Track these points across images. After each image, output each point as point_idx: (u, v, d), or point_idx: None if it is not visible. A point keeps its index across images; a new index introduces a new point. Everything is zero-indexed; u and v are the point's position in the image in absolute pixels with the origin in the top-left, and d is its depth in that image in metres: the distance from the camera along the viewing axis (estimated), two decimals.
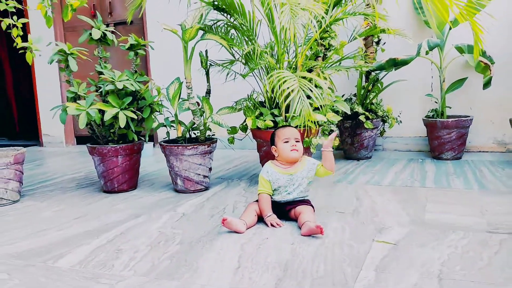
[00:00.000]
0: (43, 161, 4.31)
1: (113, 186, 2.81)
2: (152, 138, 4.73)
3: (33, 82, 5.24)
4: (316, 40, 2.95)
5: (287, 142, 2.12)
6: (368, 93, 3.58)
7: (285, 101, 2.51)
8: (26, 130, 6.18)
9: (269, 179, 2.12)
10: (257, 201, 2.15)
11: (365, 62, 3.45)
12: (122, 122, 2.63)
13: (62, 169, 3.79)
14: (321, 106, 2.77)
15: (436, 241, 1.79)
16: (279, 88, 2.35)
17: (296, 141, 2.13)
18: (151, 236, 1.99)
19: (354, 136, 3.54)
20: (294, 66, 2.80)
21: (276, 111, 2.77)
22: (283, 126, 2.25)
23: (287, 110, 2.77)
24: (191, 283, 1.51)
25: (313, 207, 2.13)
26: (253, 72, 2.86)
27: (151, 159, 4.07)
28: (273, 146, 2.20)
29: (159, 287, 1.49)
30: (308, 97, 2.65)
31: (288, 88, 2.32)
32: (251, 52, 2.72)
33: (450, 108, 3.67)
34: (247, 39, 2.81)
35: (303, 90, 2.35)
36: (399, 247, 1.74)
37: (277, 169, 2.14)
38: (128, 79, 2.76)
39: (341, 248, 1.75)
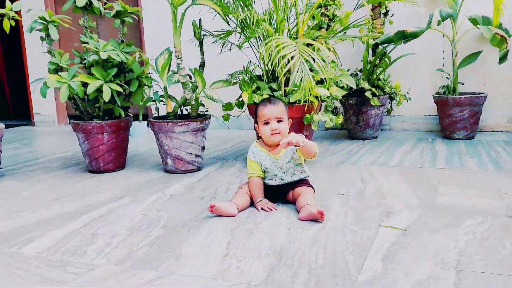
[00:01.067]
0: (31, 141, 4.12)
1: (98, 166, 2.61)
2: (146, 117, 4.52)
3: (24, 59, 5.02)
4: (319, 6, 2.70)
5: (267, 123, 1.87)
6: (375, 68, 3.34)
7: (283, 71, 2.28)
8: (19, 111, 5.98)
9: (256, 160, 1.91)
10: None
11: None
12: (106, 96, 2.41)
13: (49, 149, 3.59)
14: (324, 79, 2.54)
15: (450, 227, 1.58)
16: (278, 56, 2.11)
17: (279, 121, 1.86)
18: (133, 219, 1.80)
19: (359, 114, 3.31)
20: (294, 36, 2.57)
21: (274, 85, 2.55)
22: (263, 102, 1.93)
23: (286, 84, 2.55)
24: (170, 273, 1.32)
25: (313, 188, 1.92)
26: (250, 42, 2.63)
27: (145, 138, 3.86)
28: (255, 125, 1.98)
29: (133, 278, 1.30)
30: (310, 70, 2.42)
31: (286, 55, 2.08)
32: (247, 19, 2.48)
33: (463, 84, 3.43)
34: (242, 4, 2.57)
35: (304, 59, 2.12)
36: (408, 233, 1.54)
37: (263, 149, 1.92)
38: (114, 49, 2.53)
39: (343, 234, 1.55)
